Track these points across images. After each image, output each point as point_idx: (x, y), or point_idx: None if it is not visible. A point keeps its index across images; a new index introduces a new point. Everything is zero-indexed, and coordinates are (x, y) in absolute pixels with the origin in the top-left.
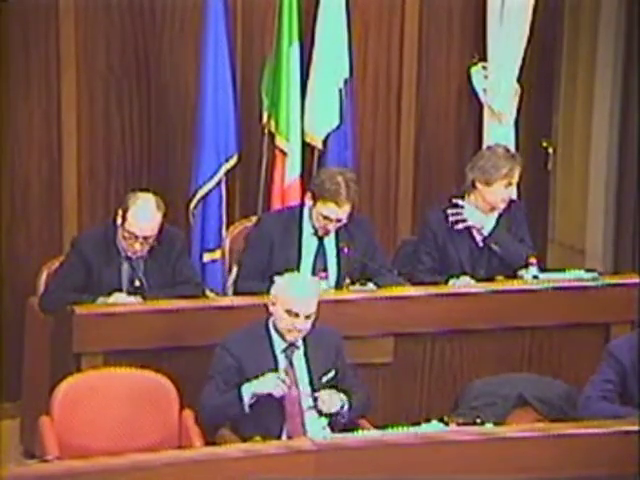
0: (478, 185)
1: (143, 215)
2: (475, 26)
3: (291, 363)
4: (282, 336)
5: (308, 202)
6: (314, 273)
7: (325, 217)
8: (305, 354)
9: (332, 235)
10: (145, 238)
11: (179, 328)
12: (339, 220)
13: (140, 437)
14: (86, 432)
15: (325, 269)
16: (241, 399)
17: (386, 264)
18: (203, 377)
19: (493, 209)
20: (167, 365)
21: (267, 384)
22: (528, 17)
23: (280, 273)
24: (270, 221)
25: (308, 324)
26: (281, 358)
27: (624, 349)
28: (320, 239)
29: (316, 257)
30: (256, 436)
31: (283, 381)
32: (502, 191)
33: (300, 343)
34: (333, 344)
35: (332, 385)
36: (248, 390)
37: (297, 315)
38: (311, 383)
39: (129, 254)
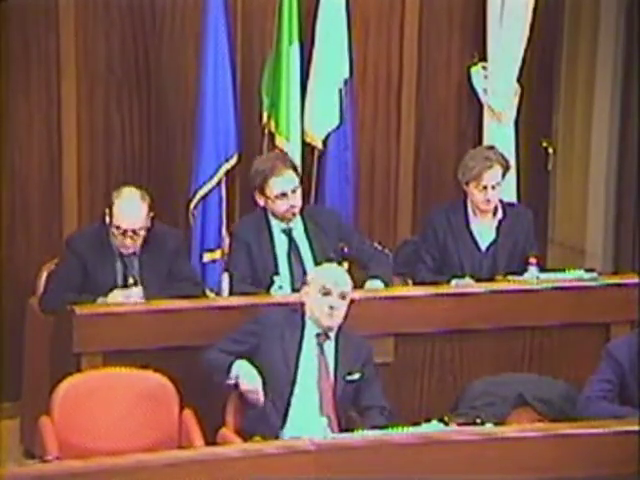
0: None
1: (128, 208)
2: (475, 26)
3: (322, 351)
4: (317, 322)
5: (260, 200)
6: (290, 267)
7: (281, 195)
8: (336, 348)
9: (300, 228)
10: (134, 232)
11: (179, 328)
12: (294, 190)
13: (140, 437)
14: (86, 432)
15: (301, 262)
16: (229, 370)
17: (370, 243)
18: (203, 377)
19: (482, 211)
20: (167, 365)
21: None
22: (528, 17)
23: (268, 275)
24: (242, 225)
25: (343, 306)
26: (312, 345)
27: (623, 349)
28: (289, 235)
29: (289, 252)
30: (256, 436)
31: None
32: (477, 193)
33: (332, 335)
34: (364, 351)
35: (355, 387)
36: (238, 367)
37: (330, 293)
38: (335, 377)
39: (122, 250)
